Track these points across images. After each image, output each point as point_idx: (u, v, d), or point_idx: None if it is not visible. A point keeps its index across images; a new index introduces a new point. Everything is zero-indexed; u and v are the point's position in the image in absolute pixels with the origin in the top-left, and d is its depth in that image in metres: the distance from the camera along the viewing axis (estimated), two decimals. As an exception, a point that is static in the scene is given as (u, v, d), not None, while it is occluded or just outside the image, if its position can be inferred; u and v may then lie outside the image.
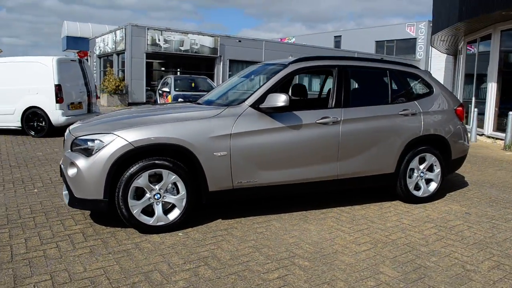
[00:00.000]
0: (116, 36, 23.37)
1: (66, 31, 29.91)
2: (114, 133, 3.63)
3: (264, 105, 4.00)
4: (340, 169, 4.35)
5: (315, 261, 3.23)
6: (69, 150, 3.82)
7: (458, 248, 3.56)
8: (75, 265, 3.08)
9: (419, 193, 4.85)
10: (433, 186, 4.95)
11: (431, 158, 4.86)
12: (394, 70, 4.89)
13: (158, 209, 3.74)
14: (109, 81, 21.29)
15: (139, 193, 3.70)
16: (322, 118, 4.24)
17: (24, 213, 4.24)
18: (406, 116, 4.70)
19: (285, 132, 4.09)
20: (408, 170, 4.73)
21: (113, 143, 3.58)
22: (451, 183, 5.94)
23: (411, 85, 5.02)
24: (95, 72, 27.01)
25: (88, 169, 3.57)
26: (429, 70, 26.05)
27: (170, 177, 3.71)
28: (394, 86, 4.84)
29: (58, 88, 9.45)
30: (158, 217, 3.73)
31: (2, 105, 9.57)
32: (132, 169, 3.60)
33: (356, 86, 5.11)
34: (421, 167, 4.85)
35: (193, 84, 14.45)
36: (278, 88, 4.30)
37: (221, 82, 24.09)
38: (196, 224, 3.99)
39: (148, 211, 3.75)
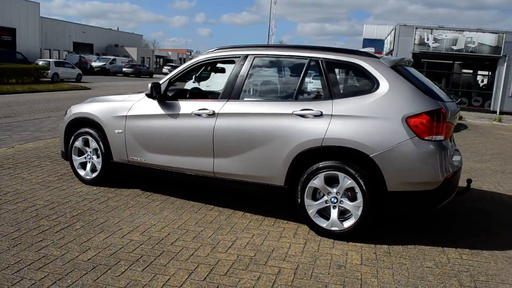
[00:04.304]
0: (391, 37, 23.48)
1: (364, 34, 32.28)
2: (71, 107, 5.19)
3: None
4: (216, 167, 4.11)
5: (87, 228, 3.72)
6: None
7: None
8: (15, 183, 4.89)
9: (323, 224, 3.70)
10: (350, 221, 3.61)
11: (345, 181, 3.58)
12: (318, 59, 3.85)
13: (88, 167, 5.01)
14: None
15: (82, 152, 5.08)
16: (199, 110, 4.14)
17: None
18: (303, 118, 3.70)
19: (165, 119, 4.36)
20: (307, 189, 3.72)
21: (68, 114, 5.15)
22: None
23: (340, 78, 3.74)
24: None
25: (60, 129, 5.30)
26: None
27: (93, 144, 4.90)
28: (309, 79, 3.84)
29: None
30: (86, 173, 5.01)
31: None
32: (75, 133, 5.03)
33: (259, 78, 4.33)
34: (334, 190, 3.66)
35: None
36: (181, 77, 4.53)
37: (501, 87, 19.92)
38: (122, 186, 4.95)
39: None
